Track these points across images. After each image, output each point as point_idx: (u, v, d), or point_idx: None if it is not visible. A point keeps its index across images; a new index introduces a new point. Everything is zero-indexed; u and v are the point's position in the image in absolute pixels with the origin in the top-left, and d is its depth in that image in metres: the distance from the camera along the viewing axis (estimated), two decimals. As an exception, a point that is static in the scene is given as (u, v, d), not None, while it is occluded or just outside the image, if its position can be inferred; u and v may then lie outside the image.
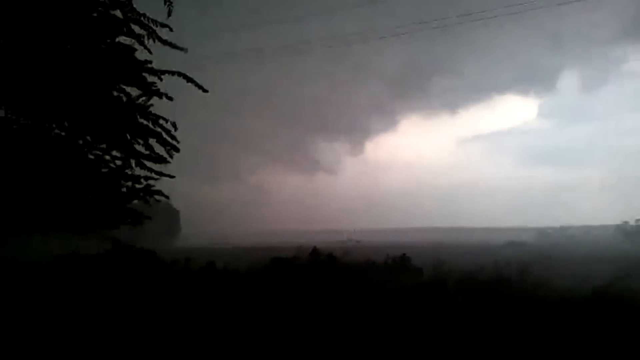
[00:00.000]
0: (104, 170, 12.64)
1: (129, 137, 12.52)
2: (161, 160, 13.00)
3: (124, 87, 12.42)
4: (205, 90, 12.56)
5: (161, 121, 12.61)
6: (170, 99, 12.39)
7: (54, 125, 12.21)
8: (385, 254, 17.10)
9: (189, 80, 12.28)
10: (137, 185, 13.07)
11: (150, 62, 12.16)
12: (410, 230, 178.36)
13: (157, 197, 13.47)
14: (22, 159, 11.65)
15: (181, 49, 12.40)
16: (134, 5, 11.54)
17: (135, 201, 13.46)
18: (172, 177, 13.21)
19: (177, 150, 12.86)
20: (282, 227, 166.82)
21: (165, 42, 11.97)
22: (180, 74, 12.24)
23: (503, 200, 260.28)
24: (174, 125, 12.63)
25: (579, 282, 13.34)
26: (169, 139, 12.70)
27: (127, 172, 12.83)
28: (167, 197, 13.54)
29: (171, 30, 12.06)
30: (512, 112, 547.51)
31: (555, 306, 11.24)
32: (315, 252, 17.00)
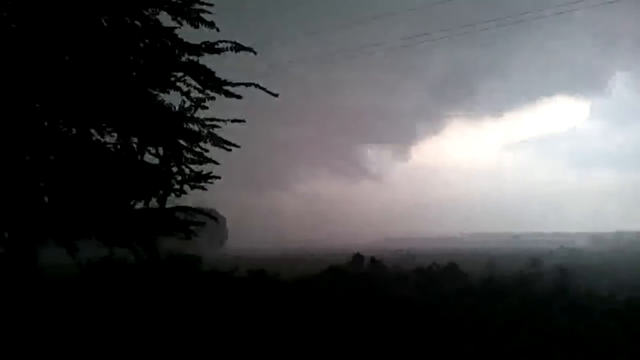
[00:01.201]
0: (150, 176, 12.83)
1: (179, 142, 12.72)
2: (207, 178, 13.14)
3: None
4: (275, 95, 12.68)
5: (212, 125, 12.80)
6: (239, 97, 12.53)
7: (105, 134, 12.51)
8: (432, 262, 16.77)
9: (262, 89, 12.42)
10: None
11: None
12: (460, 237, 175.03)
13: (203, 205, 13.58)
14: (73, 168, 11.94)
15: (251, 50, 12.51)
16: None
17: (187, 208, 13.59)
18: (218, 177, 13.27)
19: (229, 149, 12.94)
20: (330, 234, 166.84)
21: (237, 47, 12.17)
22: (255, 85, 12.41)
23: (554, 205, 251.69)
24: (237, 120, 12.76)
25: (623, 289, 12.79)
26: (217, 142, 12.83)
27: (175, 177, 12.99)
28: (213, 179, 13.61)
29: (218, 30, 12.24)
30: (561, 114, 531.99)
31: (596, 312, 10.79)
32: (369, 260, 16.81)
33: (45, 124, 11.99)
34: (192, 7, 11.87)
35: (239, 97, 12.68)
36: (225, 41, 12.19)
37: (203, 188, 13.39)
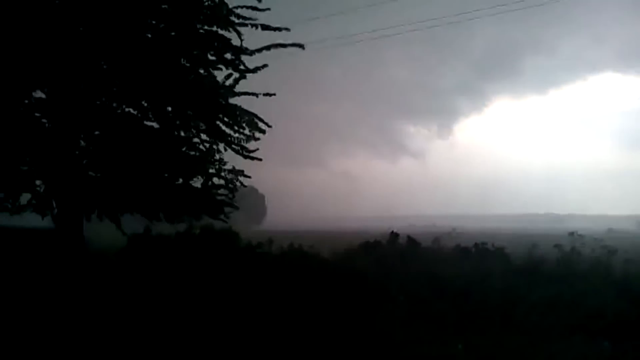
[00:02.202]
0: (192, 153, 13.04)
1: (217, 119, 12.86)
2: (246, 150, 13.24)
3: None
4: (301, 46, 12.72)
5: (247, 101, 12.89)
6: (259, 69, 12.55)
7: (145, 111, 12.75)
8: (473, 241, 16.52)
9: (284, 45, 12.44)
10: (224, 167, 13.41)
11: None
12: (502, 217, 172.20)
13: (242, 180, 13.70)
14: (120, 146, 12.23)
15: (284, 29, 12.52)
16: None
17: (225, 186, 13.80)
18: (259, 159, 13.41)
19: (263, 132, 13.03)
20: (368, 212, 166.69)
21: (266, 27, 12.21)
22: (275, 45, 12.42)
23: (601, 187, 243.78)
24: (268, 94, 12.85)
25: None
26: (256, 121, 12.91)
27: (213, 154, 13.17)
28: (249, 176, 13.74)
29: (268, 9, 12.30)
30: (609, 92, 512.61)
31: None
32: (393, 235, 16.69)
33: (95, 102, 12.34)
34: None
35: (261, 67, 12.65)
36: (243, 6, 12.19)
37: (240, 184, 13.60)
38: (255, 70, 12.63)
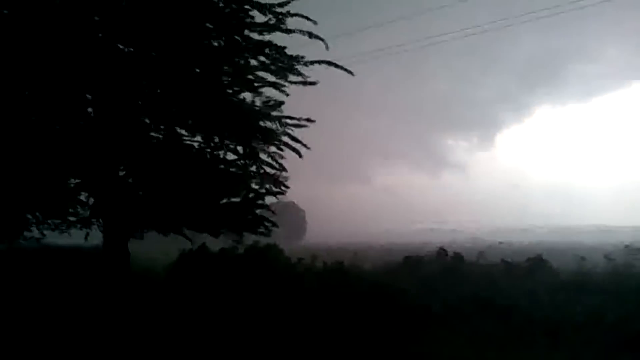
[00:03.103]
0: (232, 170, 13.24)
1: (254, 140, 13.03)
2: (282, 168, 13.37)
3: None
4: (351, 73, 12.80)
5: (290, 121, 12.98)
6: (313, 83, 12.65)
7: (186, 132, 13.04)
8: (521, 255, 16.09)
9: (337, 66, 12.51)
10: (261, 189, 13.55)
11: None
12: (549, 229, 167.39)
13: (281, 195, 13.83)
14: (161, 165, 12.53)
15: (322, 39, 12.65)
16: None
17: (265, 205, 13.94)
18: (287, 187, 13.54)
19: (300, 155, 13.13)
20: (409, 226, 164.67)
21: (310, 35, 12.35)
22: (328, 62, 12.52)
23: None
24: (308, 120, 12.89)
25: None
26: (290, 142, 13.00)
27: (251, 174, 13.33)
28: (287, 186, 13.86)
29: (315, 23, 12.43)
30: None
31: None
32: (441, 251, 16.39)
33: (141, 123, 12.73)
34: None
35: (313, 83, 12.73)
36: (292, 15, 12.30)
37: (279, 193, 13.70)
38: (306, 83, 12.70)
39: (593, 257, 15.05)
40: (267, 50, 12.38)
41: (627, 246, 14.88)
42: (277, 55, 12.46)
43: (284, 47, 12.39)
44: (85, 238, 13.34)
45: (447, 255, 16.27)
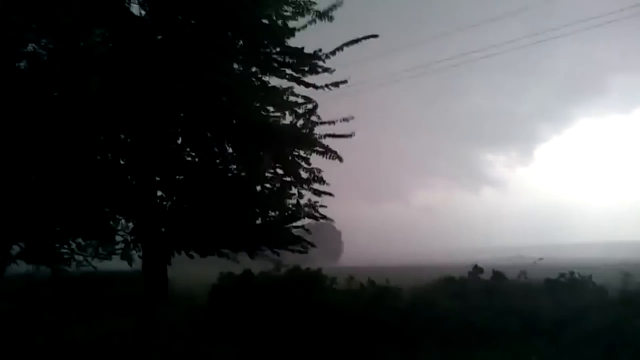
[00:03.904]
0: (269, 189, 13.31)
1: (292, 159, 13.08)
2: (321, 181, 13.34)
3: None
4: (375, 36, 12.67)
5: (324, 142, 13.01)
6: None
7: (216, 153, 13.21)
8: (561, 273, 15.60)
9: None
10: (302, 207, 13.54)
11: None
12: (594, 245, 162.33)
13: (319, 216, 13.76)
14: (197, 186, 12.71)
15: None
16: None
17: (300, 226, 13.95)
18: (331, 194, 13.45)
19: (341, 159, 13.09)
20: (448, 245, 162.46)
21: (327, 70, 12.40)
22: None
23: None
24: (347, 136, 12.91)
25: None
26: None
27: (291, 194, 13.36)
28: (331, 220, 13.80)
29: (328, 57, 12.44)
30: None
31: None
32: (477, 269, 16.03)
33: (175, 148, 12.98)
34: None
35: (344, 82, 12.70)
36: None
37: (316, 218, 13.66)
38: (336, 84, 12.70)
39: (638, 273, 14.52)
40: (286, 59, 12.43)
41: None
42: (294, 60, 12.49)
43: (302, 48, 12.39)
44: (130, 264, 13.52)
45: (482, 272, 15.90)
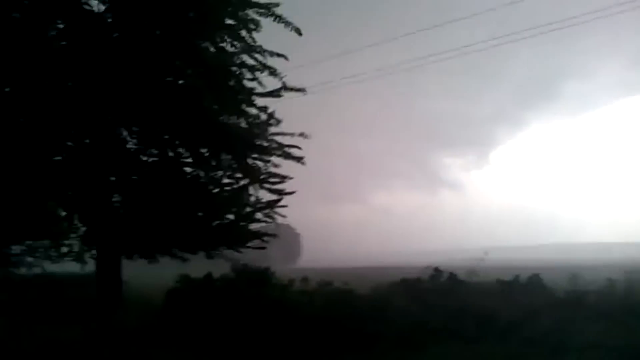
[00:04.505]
0: (226, 191, 13.23)
1: (250, 158, 13.05)
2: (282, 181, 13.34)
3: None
4: (303, 90, 12.85)
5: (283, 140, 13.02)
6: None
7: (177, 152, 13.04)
8: (514, 274, 16.06)
9: (289, 89, 12.59)
10: (260, 205, 13.50)
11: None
12: (545, 247, 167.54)
13: (277, 217, 13.76)
14: (152, 187, 12.51)
15: (299, 90, 12.77)
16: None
17: (259, 225, 13.90)
18: (290, 193, 13.49)
19: (303, 163, 13.13)
20: (406, 247, 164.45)
21: (284, 88, 12.47)
22: (281, 89, 12.57)
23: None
24: (301, 134, 12.96)
25: None
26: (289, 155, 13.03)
27: (248, 195, 13.32)
28: (284, 206, 13.79)
29: (287, 59, 12.49)
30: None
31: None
32: (435, 271, 16.33)
33: (130, 147, 12.72)
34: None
35: (301, 90, 12.82)
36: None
37: (273, 218, 13.66)
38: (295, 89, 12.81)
39: (588, 275, 15.06)
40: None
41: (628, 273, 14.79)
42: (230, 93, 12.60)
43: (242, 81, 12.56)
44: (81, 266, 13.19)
45: (438, 274, 16.22)
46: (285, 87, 12.82)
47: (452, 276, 16.02)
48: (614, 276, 14.12)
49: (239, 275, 14.21)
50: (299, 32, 12.05)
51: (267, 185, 13.28)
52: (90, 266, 12.98)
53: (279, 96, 12.79)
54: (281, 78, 12.53)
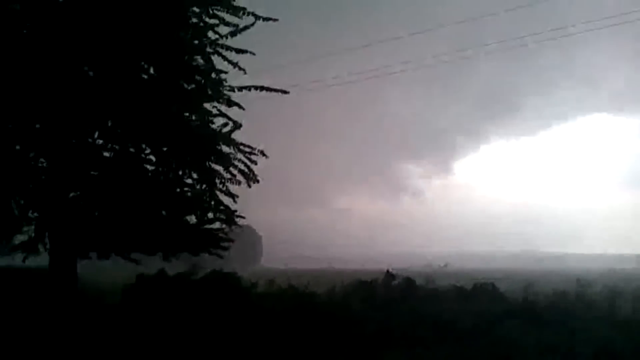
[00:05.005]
0: (187, 194, 13.04)
1: (210, 164, 12.90)
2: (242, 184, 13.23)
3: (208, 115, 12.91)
4: (285, 92, 12.78)
5: (245, 148, 12.91)
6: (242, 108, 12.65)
7: (140, 151, 12.82)
8: (471, 281, 16.47)
9: (267, 89, 12.53)
10: (220, 208, 13.36)
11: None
12: (501, 255, 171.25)
13: (238, 219, 13.64)
14: (112, 184, 12.25)
15: (251, 52, 12.62)
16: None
17: (220, 227, 13.76)
18: (243, 217, 13.46)
19: (257, 181, 13.08)
20: (367, 251, 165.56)
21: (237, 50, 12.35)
22: (258, 87, 12.53)
23: (603, 226, 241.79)
24: (262, 153, 12.88)
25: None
26: (246, 167, 12.96)
27: (207, 198, 13.16)
28: (243, 217, 13.70)
29: (253, 54, 12.43)
30: (605, 132, 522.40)
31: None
32: (389, 275, 16.59)
33: (91, 142, 12.43)
34: None
35: (238, 105, 12.82)
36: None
37: (233, 223, 13.55)
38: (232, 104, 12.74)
39: (541, 283, 15.56)
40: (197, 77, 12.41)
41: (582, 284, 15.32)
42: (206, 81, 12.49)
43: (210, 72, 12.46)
44: (24, 260, 12.75)
45: (394, 279, 16.48)
46: (262, 87, 12.70)
47: (408, 281, 16.31)
48: (567, 286, 14.60)
49: (208, 277, 14.08)
50: (270, 19, 12.08)
51: (225, 189, 13.15)
52: (45, 260, 12.59)
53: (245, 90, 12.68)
54: (245, 73, 12.44)
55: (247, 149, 12.85)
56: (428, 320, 12.09)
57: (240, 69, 12.47)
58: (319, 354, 9.90)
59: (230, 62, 12.43)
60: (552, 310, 13.03)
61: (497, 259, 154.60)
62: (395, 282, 16.48)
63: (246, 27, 12.29)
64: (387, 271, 16.82)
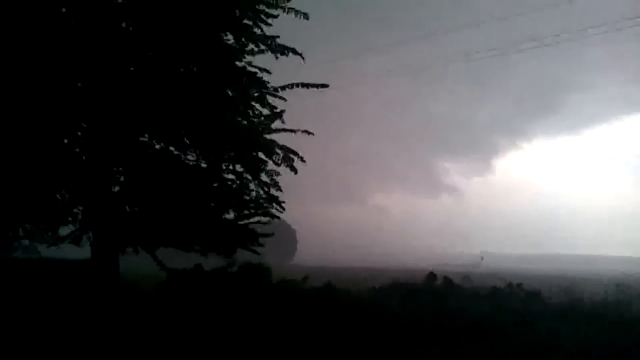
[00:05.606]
0: (225, 188, 13.25)
1: (255, 156, 13.08)
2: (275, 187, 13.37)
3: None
4: (325, 86, 12.88)
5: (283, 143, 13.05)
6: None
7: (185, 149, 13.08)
8: (507, 281, 16.17)
9: (308, 85, 12.63)
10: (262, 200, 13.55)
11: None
12: (540, 257, 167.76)
13: (275, 211, 13.76)
14: (155, 180, 12.53)
15: (299, 54, 12.71)
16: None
17: (257, 220, 13.90)
18: (283, 203, 13.52)
19: (296, 172, 13.17)
20: (403, 249, 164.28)
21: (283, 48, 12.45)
22: (299, 85, 12.65)
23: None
24: (301, 159, 13.00)
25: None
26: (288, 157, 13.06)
27: (246, 190, 13.34)
28: (283, 209, 13.79)
29: (302, 56, 12.54)
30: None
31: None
32: (431, 275, 16.44)
33: (134, 139, 12.74)
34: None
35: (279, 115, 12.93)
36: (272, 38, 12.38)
37: (273, 216, 13.67)
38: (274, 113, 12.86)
39: (577, 285, 15.18)
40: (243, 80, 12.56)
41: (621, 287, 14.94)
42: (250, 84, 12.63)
43: (255, 73, 12.58)
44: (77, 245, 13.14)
45: (436, 279, 16.33)
46: (303, 84, 12.82)
47: (449, 282, 16.16)
48: (606, 289, 14.22)
49: (240, 269, 14.22)
50: (306, 16, 12.15)
51: (265, 180, 13.30)
52: (87, 252, 12.94)
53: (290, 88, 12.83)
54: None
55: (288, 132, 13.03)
56: (467, 319, 11.98)
57: (300, 55, 12.60)
58: (358, 352, 9.91)
59: (286, 48, 12.53)
60: (592, 313, 12.72)
61: (533, 260, 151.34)
62: (435, 282, 16.33)
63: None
64: (430, 272, 16.66)
